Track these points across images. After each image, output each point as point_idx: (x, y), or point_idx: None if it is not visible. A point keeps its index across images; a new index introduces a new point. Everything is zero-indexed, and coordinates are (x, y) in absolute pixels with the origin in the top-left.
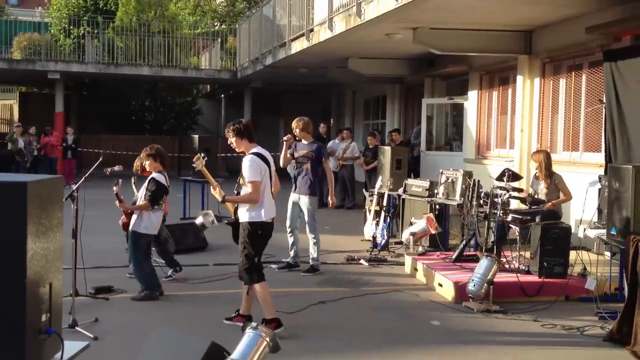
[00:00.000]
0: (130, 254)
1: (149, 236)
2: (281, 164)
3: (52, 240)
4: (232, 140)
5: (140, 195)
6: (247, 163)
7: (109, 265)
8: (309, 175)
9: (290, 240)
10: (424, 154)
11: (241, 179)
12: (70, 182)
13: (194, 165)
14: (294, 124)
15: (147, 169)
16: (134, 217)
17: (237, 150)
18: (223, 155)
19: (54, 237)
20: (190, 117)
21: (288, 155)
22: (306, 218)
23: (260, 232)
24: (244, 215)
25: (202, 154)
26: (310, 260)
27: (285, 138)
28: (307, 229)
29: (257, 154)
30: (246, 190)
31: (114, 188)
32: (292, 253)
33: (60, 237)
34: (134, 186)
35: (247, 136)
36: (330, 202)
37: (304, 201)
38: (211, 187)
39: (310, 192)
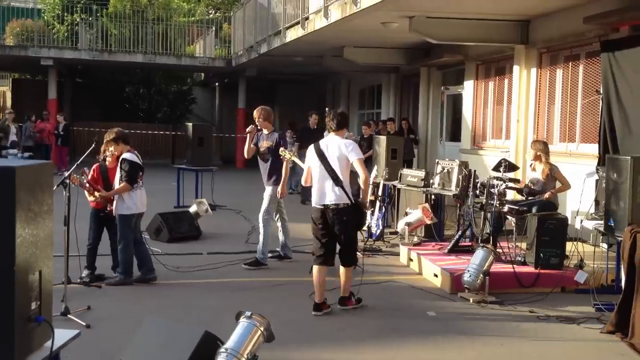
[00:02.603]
0: (119, 236)
1: (134, 216)
2: (245, 155)
3: (41, 227)
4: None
5: (117, 178)
6: None
7: (102, 253)
8: (271, 168)
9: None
10: (442, 145)
11: None
12: (62, 169)
13: (283, 157)
14: (255, 114)
15: (116, 154)
16: (115, 201)
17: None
18: (219, 135)
19: (43, 224)
20: (184, 105)
21: (252, 146)
22: (263, 207)
23: (312, 216)
24: None
25: (284, 149)
26: (257, 253)
27: (248, 129)
28: (259, 218)
29: (314, 144)
30: None
31: (79, 179)
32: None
33: (51, 223)
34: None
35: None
36: (280, 192)
37: (266, 191)
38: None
39: (274, 182)
